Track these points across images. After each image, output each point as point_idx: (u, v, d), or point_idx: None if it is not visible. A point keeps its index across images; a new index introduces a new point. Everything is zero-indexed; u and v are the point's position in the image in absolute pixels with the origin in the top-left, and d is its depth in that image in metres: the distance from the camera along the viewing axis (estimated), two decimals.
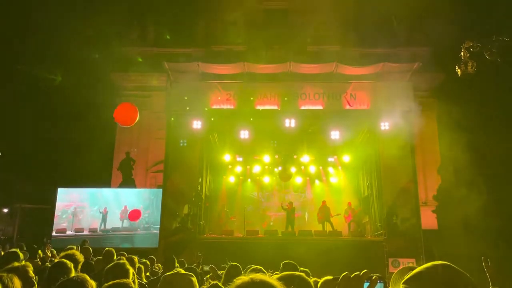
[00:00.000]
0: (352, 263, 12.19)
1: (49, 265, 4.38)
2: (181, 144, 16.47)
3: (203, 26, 21.63)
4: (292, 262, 4.49)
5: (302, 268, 4.73)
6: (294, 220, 17.86)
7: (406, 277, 1.57)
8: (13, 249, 5.21)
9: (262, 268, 4.42)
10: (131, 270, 3.67)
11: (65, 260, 3.69)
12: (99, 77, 20.11)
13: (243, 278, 1.46)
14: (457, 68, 9.50)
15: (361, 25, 20.69)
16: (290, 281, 1.52)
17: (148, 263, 8.04)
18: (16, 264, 3.41)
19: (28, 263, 3.73)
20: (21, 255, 5.07)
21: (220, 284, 3.60)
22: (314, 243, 15.19)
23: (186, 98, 16.45)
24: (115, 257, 6.38)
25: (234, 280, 1.48)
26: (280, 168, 20.07)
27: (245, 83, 16.75)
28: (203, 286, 3.90)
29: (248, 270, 4.62)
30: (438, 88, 20.20)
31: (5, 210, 23.47)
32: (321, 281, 3.20)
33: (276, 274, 3.11)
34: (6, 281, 2.57)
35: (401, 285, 1.57)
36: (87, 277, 2.66)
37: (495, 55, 8.41)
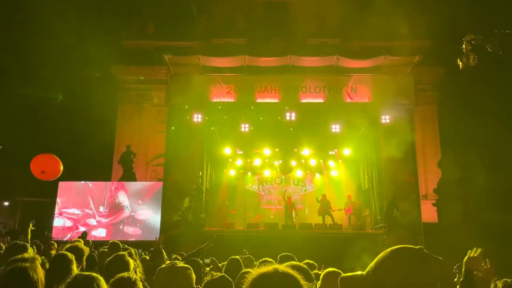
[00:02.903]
0: (352, 256, 12.22)
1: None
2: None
3: (204, 19, 21.54)
4: (289, 254, 4.50)
5: (307, 260, 4.75)
6: (292, 214, 18.02)
7: (367, 270, 1.51)
8: (21, 242, 5.18)
9: (273, 261, 4.43)
10: (132, 262, 3.67)
11: (66, 252, 3.68)
12: (100, 70, 20.06)
13: (266, 268, 1.45)
14: (458, 61, 9.45)
15: (362, 18, 20.59)
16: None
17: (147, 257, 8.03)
18: (26, 255, 3.39)
19: (37, 256, 3.72)
20: (30, 249, 5.07)
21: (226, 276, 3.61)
22: (315, 236, 15.21)
23: (186, 91, 16.40)
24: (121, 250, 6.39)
25: (252, 270, 1.48)
26: (280, 161, 20.07)
27: (245, 76, 16.70)
28: (206, 277, 3.90)
29: (259, 262, 4.63)
30: (439, 81, 20.16)
31: (6, 203, 23.51)
32: (323, 273, 3.21)
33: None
34: (31, 273, 2.53)
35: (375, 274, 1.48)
36: (101, 278, 2.61)
37: (497, 48, 8.36)
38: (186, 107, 16.40)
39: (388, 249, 1.53)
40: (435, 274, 1.43)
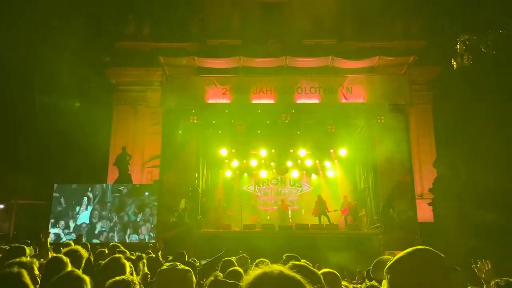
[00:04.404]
0: (349, 256, 12.25)
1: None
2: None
3: (199, 20, 21.52)
4: (294, 255, 4.50)
5: (303, 260, 4.75)
6: (288, 215, 18.29)
7: (389, 263, 1.60)
8: (19, 245, 5.15)
9: (268, 262, 4.42)
10: (128, 264, 3.66)
11: (61, 255, 3.67)
12: (95, 72, 20.00)
13: (265, 268, 1.41)
14: (453, 61, 9.51)
15: (357, 18, 20.66)
16: (299, 271, 1.50)
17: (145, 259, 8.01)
18: (24, 259, 3.37)
19: (34, 260, 3.70)
20: (28, 250, 5.03)
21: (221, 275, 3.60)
22: (311, 237, 15.24)
23: (181, 92, 16.40)
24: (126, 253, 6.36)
25: (250, 271, 1.45)
26: (276, 162, 20.09)
27: (241, 77, 16.71)
28: (211, 278, 3.90)
29: (255, 262, 4.62)
30: (434, 81, 20.23)
31: (1, 206, 23.38)
32: (319, 273, 3.22)
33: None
34: (21, 278, 2.51)
35: (384, 271, 1.62)
36: (79, 272, 2.62)
37: (490, 48, 8.42)
38: (182, 108, 16.38)
39: (412, 248, 1.64)
40: (452, 285, 1.51)
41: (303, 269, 1.96)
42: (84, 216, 15.69)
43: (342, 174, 20.62)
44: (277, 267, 1.42)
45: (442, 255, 1.58)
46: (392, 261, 1.61)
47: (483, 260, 3.67)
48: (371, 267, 3.40)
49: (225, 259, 5.46)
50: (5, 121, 20.22)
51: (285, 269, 1.42)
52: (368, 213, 17.76)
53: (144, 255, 6.52)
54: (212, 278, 3.68)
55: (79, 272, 2.60)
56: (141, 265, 5.69)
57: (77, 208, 15.75)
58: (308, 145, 19.00)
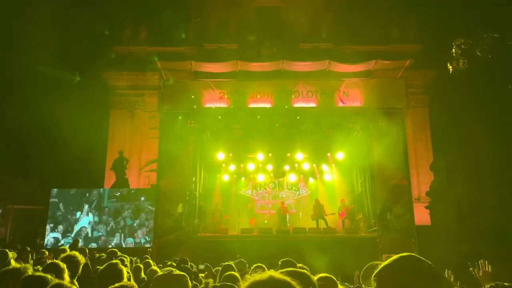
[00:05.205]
0: (346, 260, 12.25)
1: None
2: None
3: (196, 24, 21.56)
4: (291, 260, 4.51)
5: (300, 265, 4.76)
6: (286, 219, 18.21)
7: (376, 270, 1.62)
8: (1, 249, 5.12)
9: (265, 267, 4.41)
10: (125, 270, 3.65)
11: (57, 261, 3.66)
12: (92, 76, 19.98)
13: (260, 275, 1.43)
14: (448, 65, 9.56)
15: (354, 22, 20.72)
16: (295, 277, 1.52)
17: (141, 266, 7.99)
18: (17, 265, 3.35)
19: (28, 265, 3.68)
20: (11, 254, 5.01)
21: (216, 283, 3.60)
22: (309, 241, 15.23)
23: (179, 96, 16.42)
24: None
25: (247, 276, 1.46)
26: (273, 166, 20.10)
27: (238, 82, 16.74)
28: (201, 286, 3.91)
29: (252, 268, 4.62)
30: (431, 85, 20.30)
31: None
32: (315, 278, 3.22)
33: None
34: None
35: (372, 279, 1.65)
36: (68, 284, 2.62)
37: (486, 52, 8.47)
38: (179, 112, 16.39)
39: (398, 255, 1.66)
40: None
41: (295, 274, 1.98)
42: (83, 221, 15.65)
43: (339, 178, 20.62)
44: (268, 273, 1.44)
45: (429, 262, 1.59)
46: (379, 268, 1.63)
47: (482, 260, 3.66)
48: (361, 273, 3.41)
49: (224, 263, 5.46)
50: (2, 125, 20.16)
51: (276, 274, 1.44)
52: (365, 217, 17.78)
53: (125, 259, 6.49)
54: (203, 285, 3.70)
55: (68, 284, 2.59)
56: (129, 265, 5.67)
57: (78, 213, 15.71)
58: (305, 149, 19.01)
